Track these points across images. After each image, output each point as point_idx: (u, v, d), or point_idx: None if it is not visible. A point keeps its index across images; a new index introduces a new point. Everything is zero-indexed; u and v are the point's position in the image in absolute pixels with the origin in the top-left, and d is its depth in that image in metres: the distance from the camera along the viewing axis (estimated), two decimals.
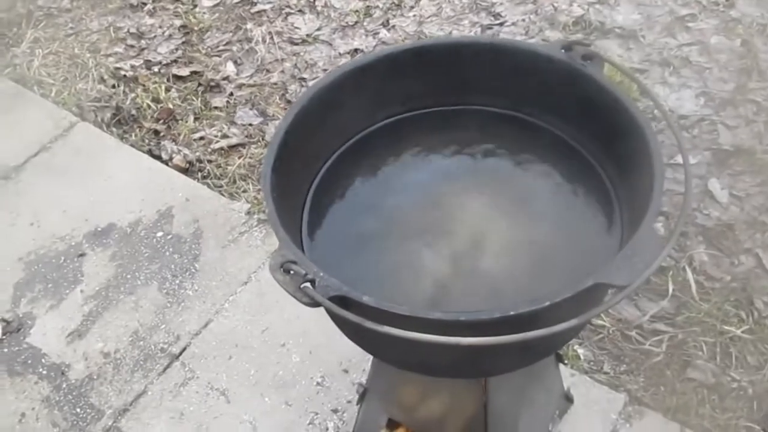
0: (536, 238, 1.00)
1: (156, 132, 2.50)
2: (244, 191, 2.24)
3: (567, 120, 1.07)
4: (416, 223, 1.04)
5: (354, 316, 0.75)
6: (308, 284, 0.78)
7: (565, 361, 1.69)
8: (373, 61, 1.07)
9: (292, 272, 0.80)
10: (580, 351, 1.76)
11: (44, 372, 1.85)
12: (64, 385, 1.82)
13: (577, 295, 0.75)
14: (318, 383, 1.74)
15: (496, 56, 1.05)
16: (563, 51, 1.05)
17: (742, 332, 1.78)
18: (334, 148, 1.15)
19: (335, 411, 1.69)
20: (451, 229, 1.03)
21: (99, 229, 2.16)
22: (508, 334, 0.74)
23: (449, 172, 1.07)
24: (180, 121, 2.53)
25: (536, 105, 1.09)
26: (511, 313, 0.74)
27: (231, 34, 2.91)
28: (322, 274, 0.79)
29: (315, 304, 0.77)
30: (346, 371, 1.74)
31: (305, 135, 1.05)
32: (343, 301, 0.79)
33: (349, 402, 1.69)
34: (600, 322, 1.82)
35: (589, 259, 0.94)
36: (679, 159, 2.22)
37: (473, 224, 1.03)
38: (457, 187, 1.08)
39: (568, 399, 1.58)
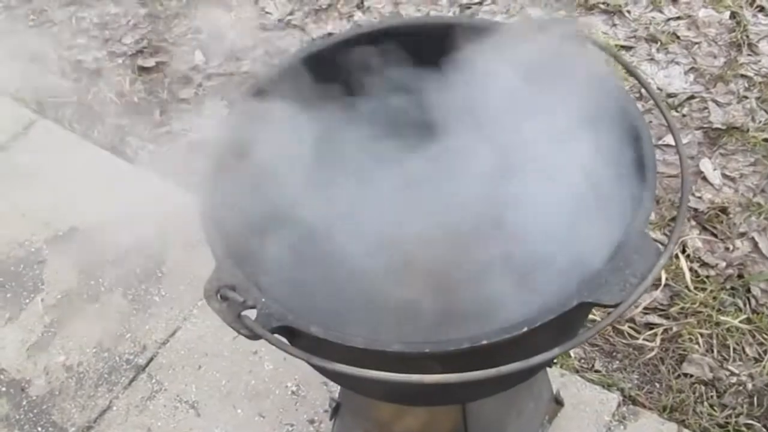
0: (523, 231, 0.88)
1: (120, 127, 2.38)
2: None
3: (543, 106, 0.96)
4: (388, 230, 0.92)
5: (299, 352, 0.64)
6: (248, 312, 0.68)
7: (555, 361, 1.59)
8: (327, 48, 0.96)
9: (230, 299, 0.69)
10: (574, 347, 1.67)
11: (3, 389, 1.73)
12: (24, 403, 1.71)
13: (558, 318, 0.65)
14: (293, 392, 1.64)
15: (463, 37, 0.94)
16: (539, 30, 0.94)
17: (740, 322, 1.68)
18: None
19: (312, 422, 1.59)
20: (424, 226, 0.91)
21: (60, 233, 2.04)
22: (481, 364, 0.63)
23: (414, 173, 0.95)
24: (145, 115, 2.40)
25: None
26: (483, 342, 0.63)
27: (199, 21, 2.78)
28: (264, 300, 0.68)
29: (256, 336, 0.67)
30: (323, 379, 1.64)
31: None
32: (290, 332, 0.68)
33: (326, 411, 1.58)
34: (591, 316, 1.72)
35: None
36: (669, 139, 2.12)
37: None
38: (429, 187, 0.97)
39: (558, 402, 1.48)
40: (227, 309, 0.68)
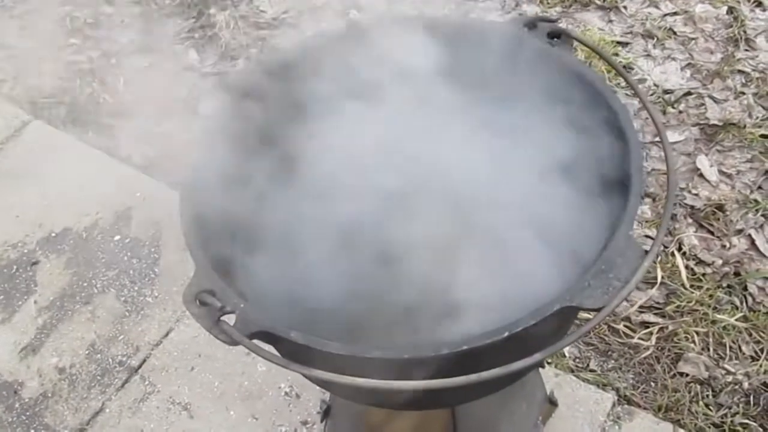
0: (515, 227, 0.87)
1: (114, 128, 2.37)
2: None
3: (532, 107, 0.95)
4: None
5: (279, 358, 0.63)
6: (226, 318, 0.67)
7: (548, 361, 1.58)
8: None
9: (209, 304, 0.68)
10: (565, 348, 1.66)
11: None
12: (16, 405, 1.70)
13: (541, 322, 0.64)
14: (286, 393, 1.63)
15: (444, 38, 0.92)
16: (526, 29, 0.93)
17: (736, 320, 1.67)
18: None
19: (305, 423, 1.58)
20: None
21: (53, 234, 2.03)
22: (463, 369, 0.62)
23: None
24: (139, 115, 2.39)
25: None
26: (464, 347, 0.62)
27: (193, 20, 2.77)
28: (242, 305, 0.67)
29: (234, 342, 0.66)
30: None
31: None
32: (270, 337, 0.67)
33: (319, 413, 1.57)
34: (585, 315, 1.70)
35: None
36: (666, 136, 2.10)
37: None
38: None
39: (552, 402, 1.47)
40: (206, 314, 0.67)
